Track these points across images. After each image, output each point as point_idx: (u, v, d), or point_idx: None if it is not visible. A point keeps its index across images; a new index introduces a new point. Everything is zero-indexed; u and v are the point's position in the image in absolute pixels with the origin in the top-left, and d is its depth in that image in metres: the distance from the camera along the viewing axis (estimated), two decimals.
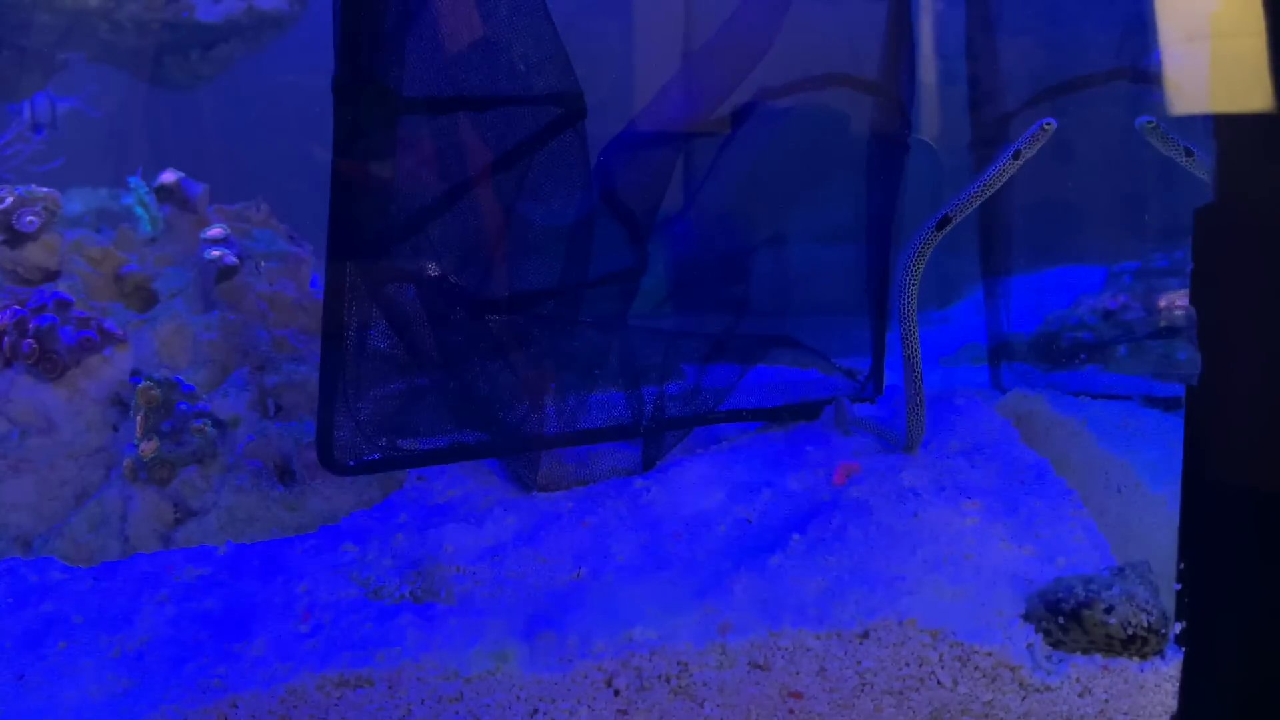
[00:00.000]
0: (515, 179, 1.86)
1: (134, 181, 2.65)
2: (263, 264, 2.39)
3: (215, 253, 2.33)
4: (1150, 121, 1.74)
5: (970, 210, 1.71)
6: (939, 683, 1.41)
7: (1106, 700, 1.40)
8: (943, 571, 1.53)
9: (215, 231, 2.38)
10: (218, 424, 2.06)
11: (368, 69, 1.61)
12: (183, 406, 2.03)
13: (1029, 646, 1.43)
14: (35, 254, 2.32)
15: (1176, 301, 2.82)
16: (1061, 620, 1.43)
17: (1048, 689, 1.40)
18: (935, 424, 2.07)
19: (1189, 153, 1.73)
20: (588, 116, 1.87)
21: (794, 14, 2.13)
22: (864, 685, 1.42)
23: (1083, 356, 2.70)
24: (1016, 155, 1.64)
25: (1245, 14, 1.30)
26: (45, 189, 2.36)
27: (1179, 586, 1.42)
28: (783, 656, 1.43)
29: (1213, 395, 1.36)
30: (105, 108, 3.68)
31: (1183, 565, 1.41)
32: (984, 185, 1.68)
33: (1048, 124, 1.62)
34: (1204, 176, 1.73)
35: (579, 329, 2.04)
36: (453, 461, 1.99)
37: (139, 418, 2.00)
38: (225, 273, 2.33)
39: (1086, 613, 1.42)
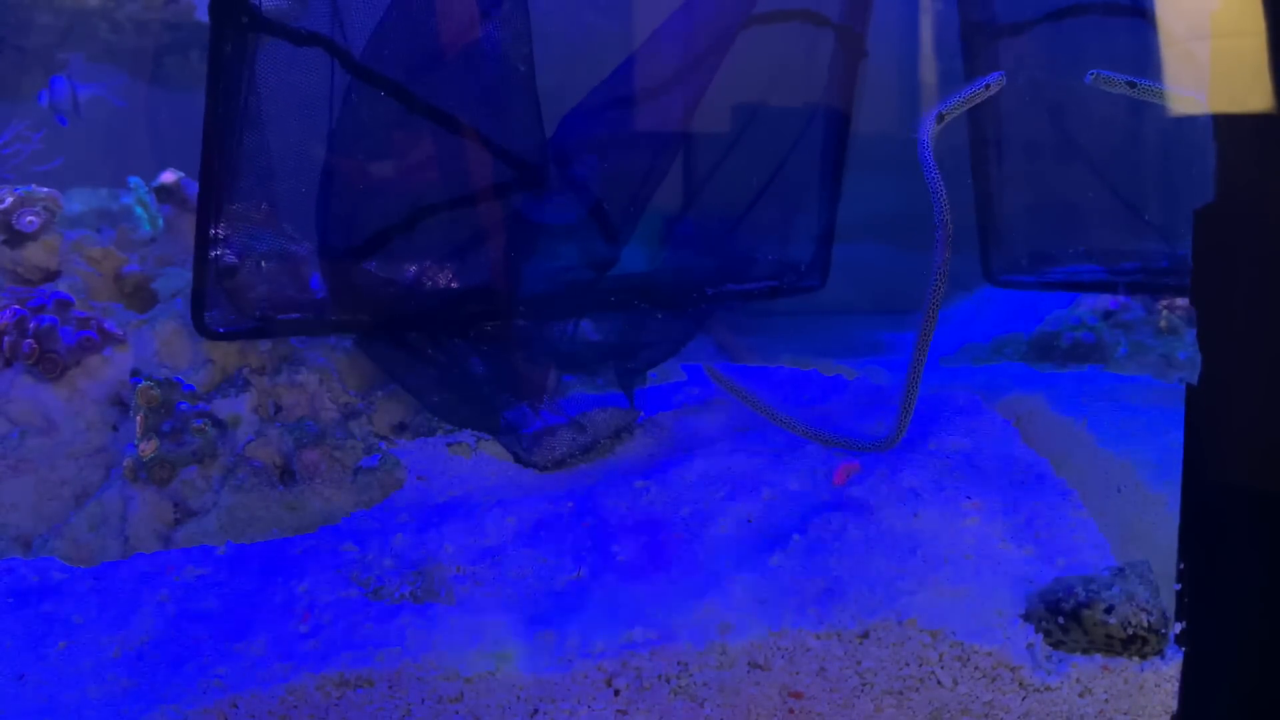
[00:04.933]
0: None
1: (134, 181, 2.65)
2: (262, 264, 2.39)
3: (215, 252, 2.32)
4: (1095, 74, 1.84)
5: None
6: (939, 683, 1.41)
7: (1106, 700, 1.40)
8: (943, 571, 1.53)
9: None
10: (218, 424, 2.06)
11: None
12: (183, 406, 2.03)
13: (1029, 646, 1.43)
14: (35, 254, 2.32)
15: (1176, 301, 2.83)
16: (1061, 620, 1.43)
17: (1048, 689, 1.40)
18: (935, 423, 2.07)
19: (1132, 85, 1.81)
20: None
21: None
22: (864, 685, 1.42)
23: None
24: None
25: (1245, 14, 1.30)
26: (45, 189, 2.35)
27: (1179, 586, 1.42)
28: (783, 656, 1.43)
29: (1213, 395, 1.36)
30: (125, 98, 3.65)
31: (1183, 565, 1.41)
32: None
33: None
34: (1157, 100, 1.81)
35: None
36: (323, 334, 2.19)
37: (139, 418, 2.00)
38: (225, 273, 2.32)
39: (1086, 613, 1.42)
